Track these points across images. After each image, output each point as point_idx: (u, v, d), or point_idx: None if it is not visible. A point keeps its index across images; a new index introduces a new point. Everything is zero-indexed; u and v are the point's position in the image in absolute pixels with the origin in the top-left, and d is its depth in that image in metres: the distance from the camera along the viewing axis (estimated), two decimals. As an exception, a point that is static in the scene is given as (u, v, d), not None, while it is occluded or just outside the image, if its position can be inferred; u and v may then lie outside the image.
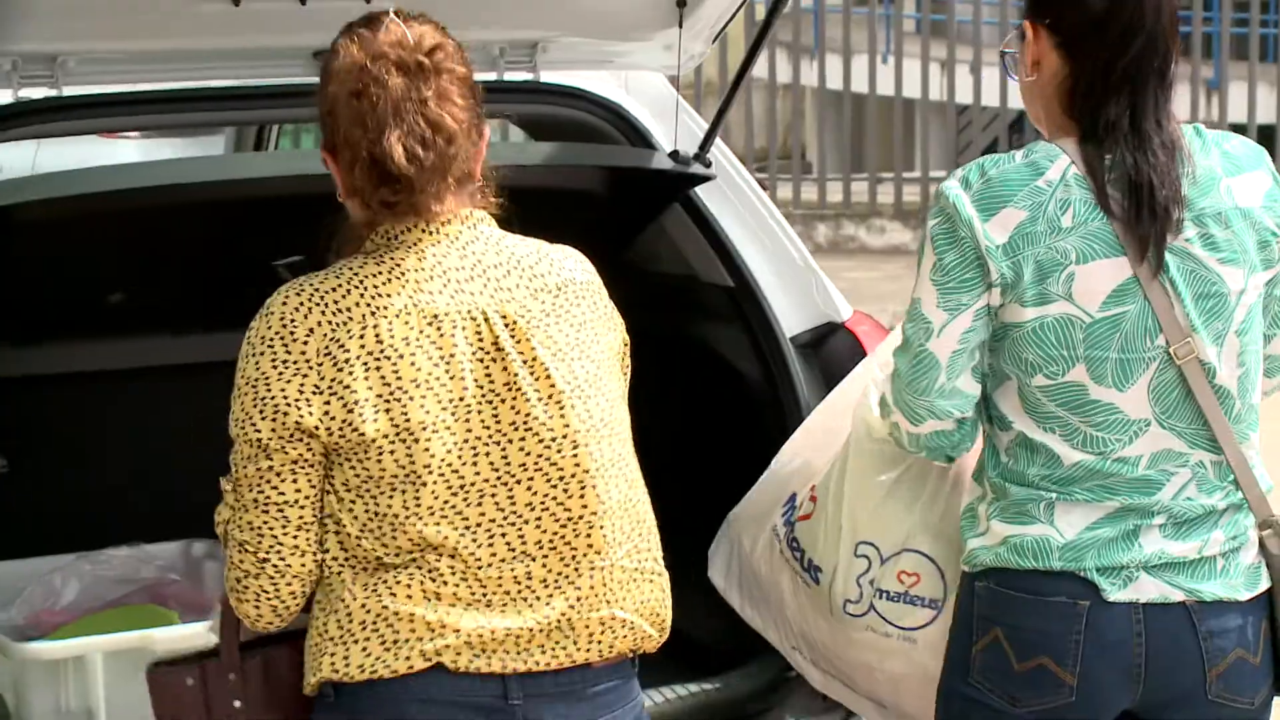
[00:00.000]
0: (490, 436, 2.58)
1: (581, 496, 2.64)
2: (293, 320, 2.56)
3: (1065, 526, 3.00)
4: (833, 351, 3.99)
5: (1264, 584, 3.02)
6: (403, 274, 2.59)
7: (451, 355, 2.57)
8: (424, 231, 2.62)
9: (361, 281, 2.59)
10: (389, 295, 2.57)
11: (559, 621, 2.61)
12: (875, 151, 17.84)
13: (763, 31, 3.94)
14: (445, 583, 2.57)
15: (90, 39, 3.81)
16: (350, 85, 2.56)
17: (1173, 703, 3.05)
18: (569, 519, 2.64)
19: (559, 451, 2.62)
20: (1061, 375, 2.96)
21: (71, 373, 4.73)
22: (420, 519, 2.55)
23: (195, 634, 3.44)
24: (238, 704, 2.69)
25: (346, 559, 2.58)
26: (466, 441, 2.57)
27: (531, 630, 2.60)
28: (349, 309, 2.56)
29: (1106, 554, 2.99)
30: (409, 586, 2.56)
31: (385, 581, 2.57)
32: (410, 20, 2.62)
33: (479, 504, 2.58)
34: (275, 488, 2.56)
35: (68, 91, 3.85)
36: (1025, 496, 3.02)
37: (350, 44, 2.60)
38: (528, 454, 2.60)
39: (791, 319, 4.02)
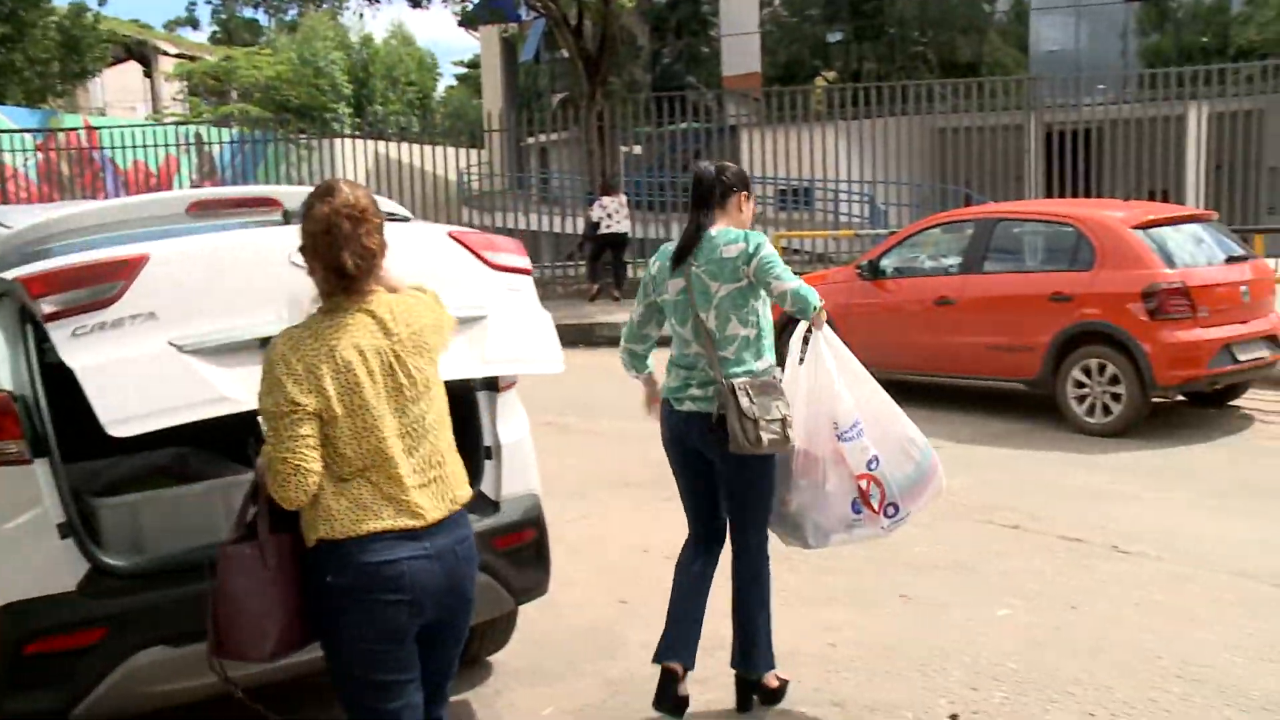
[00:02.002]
0: (394, 412, 2.72)
1: (435, 440, 2.80)
2: (288, 354, 2.67)
3: (668, 379, 3.97)
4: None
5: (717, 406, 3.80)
6: (345, 327, 2.70)
7: (373, 369, 2.70)
8: (357, 306, 2.73)
9: (321, 333, 2.69)
10: (338, 339, 2.68)
11: (436, 496, 2.77)
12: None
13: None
14: (381, 486, 2.70)
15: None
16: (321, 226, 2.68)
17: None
18: (433, 449, 2.79)
19: (424, 419, 2.78)
20: (675, 322, 3.94)
21: None
22: (363, 457, 2.69)
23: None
24: (273, 561, 2.72)
25: (325, 473, 2.67)
26: (384, 415, 2.71)
27: (427, 504, 2.75)
28: (317, 348, 2.67)
29: (672, 391, 3.94)
30: (361, 489, 2.69)
31: (349, 485, 2.69)
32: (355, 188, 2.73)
33: (391, 447, 2.71)
34: (299, 427, 2.63)
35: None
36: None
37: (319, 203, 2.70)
38: (411, 421, 2.75)
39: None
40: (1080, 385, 8.56)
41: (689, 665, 3.96)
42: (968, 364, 9.25)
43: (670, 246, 3.99)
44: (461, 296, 3.38)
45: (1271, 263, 15.46)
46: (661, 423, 4.02)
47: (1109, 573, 5.45)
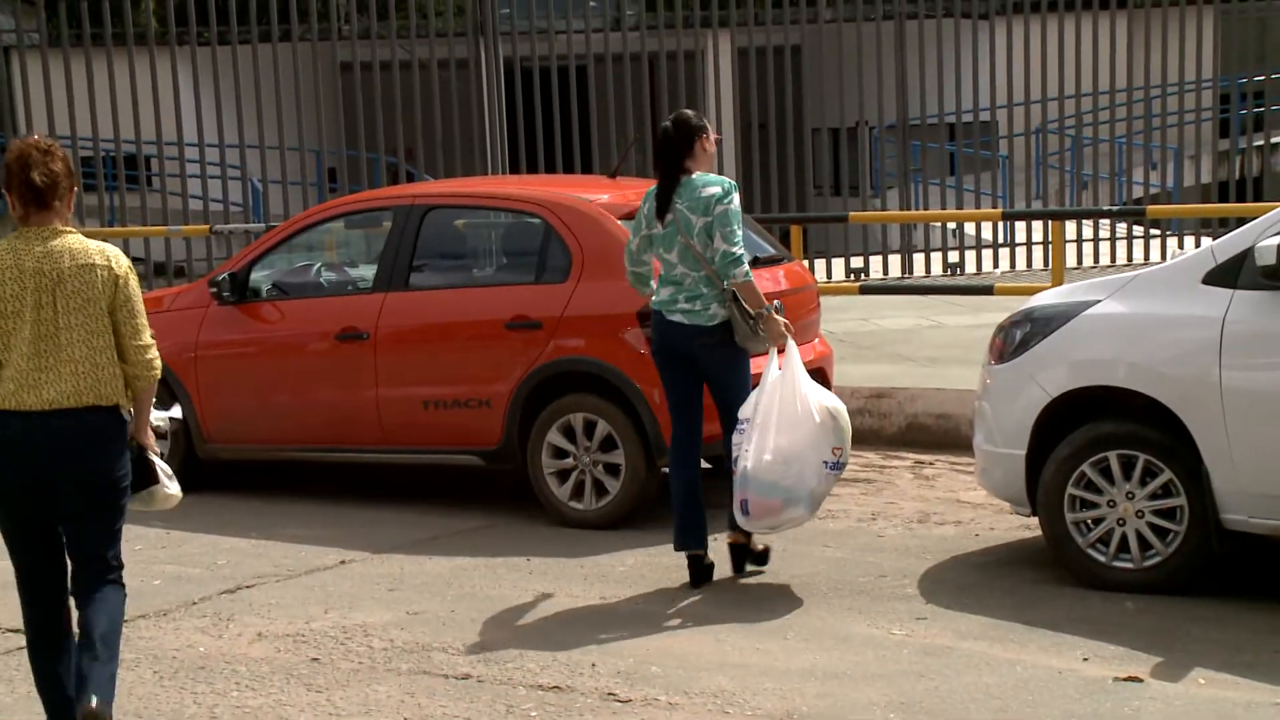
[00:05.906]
0: (39, 321, 5.43)
1: (69, 347, 5.46)
2: None
3: (659, 293, 7.70)
4: None
5: (722, 318, 7.48)
6: (12, 248, 5.44)
7: (25, 286, 5.42)
8: (31, 233, 5.47)
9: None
10: (4, 257, 5.43)
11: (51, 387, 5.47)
12: None
13: None
14: (12, 374, 5.44)
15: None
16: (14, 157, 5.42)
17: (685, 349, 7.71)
18: (59, 351, 5.47)
19: (60, 328, 5.46)
20: (663, 250, 7.65)
21: None
22: (8, 350, 5.43)
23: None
24: None
25: None
26: (29, 320, 5.43)
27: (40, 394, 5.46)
28: None
29: (663, 303, 7.66)
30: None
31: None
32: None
33: (31, 345, 5.42)
34: None
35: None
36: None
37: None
38: (48, 329, 5.43)
39: None
40: (561, 454, 9.11)
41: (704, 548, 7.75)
42: (396, 430, 9.55)
43: (654, 190, 7.58)
44: None
45: (819, 268, 17.35)
46: (653, 330, 7.68)
47: (600, 734, 5.85)
